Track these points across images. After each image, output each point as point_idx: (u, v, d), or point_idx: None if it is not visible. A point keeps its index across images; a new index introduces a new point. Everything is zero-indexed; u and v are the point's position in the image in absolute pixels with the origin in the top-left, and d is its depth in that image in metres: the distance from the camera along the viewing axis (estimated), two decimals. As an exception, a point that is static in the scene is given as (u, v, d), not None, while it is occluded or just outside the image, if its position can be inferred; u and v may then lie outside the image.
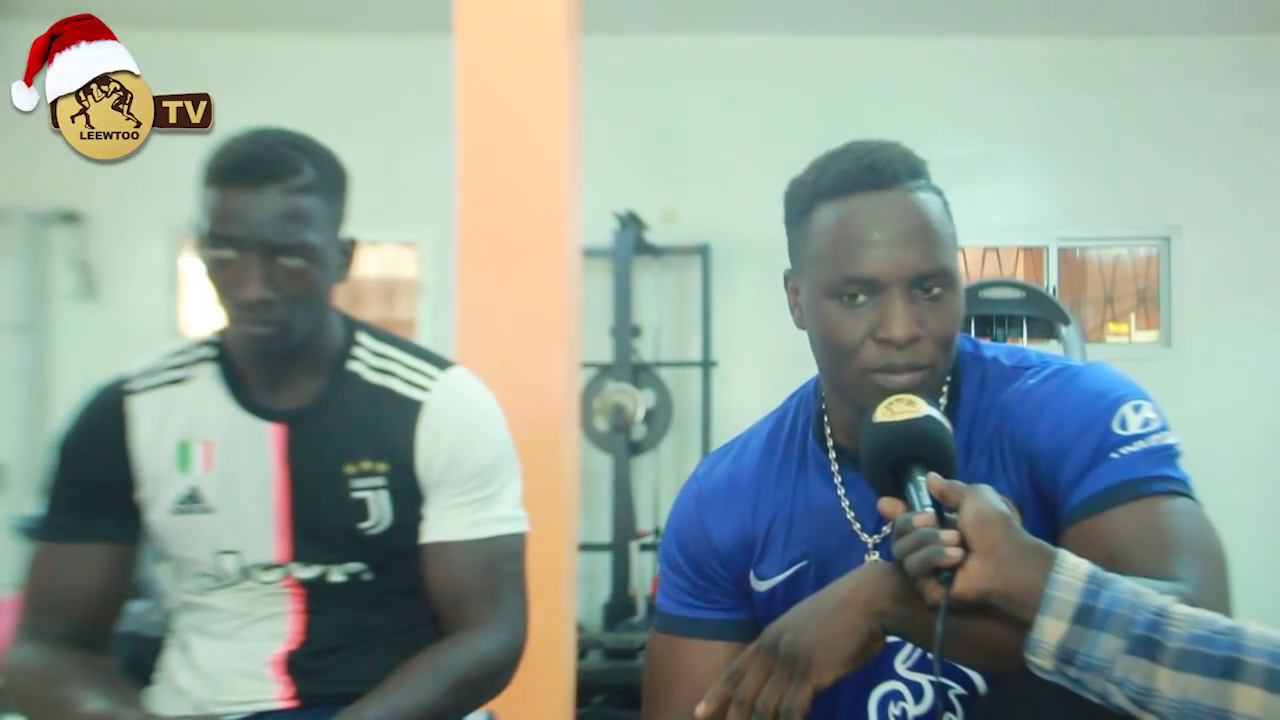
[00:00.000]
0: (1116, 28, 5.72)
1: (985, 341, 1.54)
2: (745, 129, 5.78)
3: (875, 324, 1.37)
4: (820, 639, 1.23)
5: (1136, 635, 1.11)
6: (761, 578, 1.53)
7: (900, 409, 1.31)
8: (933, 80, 5.81)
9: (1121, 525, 1.29)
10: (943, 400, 1.45)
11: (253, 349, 1.68)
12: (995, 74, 5.85)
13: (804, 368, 1.53)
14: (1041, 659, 1.15)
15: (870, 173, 1.40)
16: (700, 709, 1.28)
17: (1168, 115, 5.80)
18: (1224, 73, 5.80)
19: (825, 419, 1.53)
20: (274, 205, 1.60)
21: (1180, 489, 1.32)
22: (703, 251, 5.70)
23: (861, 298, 1.37)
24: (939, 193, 1.44)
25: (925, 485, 1.25)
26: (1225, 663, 1.08)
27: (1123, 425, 1.35)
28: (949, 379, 1.47)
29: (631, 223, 5.51)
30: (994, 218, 5.78)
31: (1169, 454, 1.35)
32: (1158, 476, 1.32)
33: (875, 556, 1.47)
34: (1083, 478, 1.34)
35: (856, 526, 1.49)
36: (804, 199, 1.44)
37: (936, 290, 1.38)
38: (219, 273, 1.63)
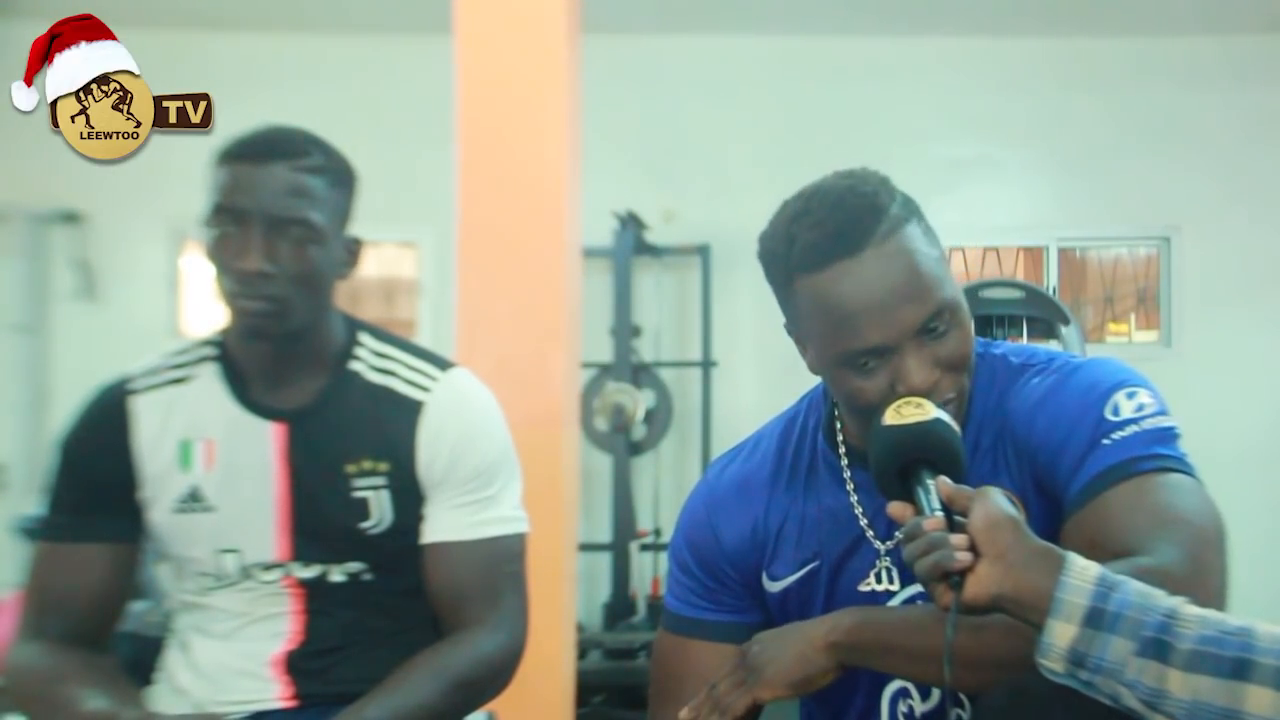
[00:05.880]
0: (1116, 28, 5.72)
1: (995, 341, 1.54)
2: (745, 129, 5.78)
3: (895, 378, 1.36)
4: (773, 659, 1.38)
5: (1147, 637, 1.11)
6: (774, 578, 1.54)
7: (909, 412, 1.31)
8: (932, 80, 5.81)
9: (1112, 507, 1.30)
10: None
11: (249, 328, 1.67)
12: (995, 74, 5.85)
13: (804, 368, 1.53)
14: (1052, 662, 1.15)
15: (839, 241, 1.35)
16: (684, 713, 1.41)
17: (1167, 115, 5.80)
18: (1224, 73, 5.80)
19: (836, 421, 1.53)
20: (280, 179, 1.62)
21: (1172, 465, 1.32)
22: (703, 251, 5.70)
23: (873, 363, 1.36)
24: (910, 214, 1.39)
25: (934, 488, 1.25)
26: (1236, 663, 1.08)
27: (1115, 412, 1.36)
28: None
29: (631, 223, 5.51)
30: (994, 218, 5.78)
31: (1162, 434, 1.35)
32: (1147, 455, 1.32)
33: (887, 562, 1.48)
34: (1078, 468, 1.34)
35: (870, 534, 1.49)
36: (780, 270, 1.41)
37: (943, 328, 1.37)
38: (221, 248, 1.63)
